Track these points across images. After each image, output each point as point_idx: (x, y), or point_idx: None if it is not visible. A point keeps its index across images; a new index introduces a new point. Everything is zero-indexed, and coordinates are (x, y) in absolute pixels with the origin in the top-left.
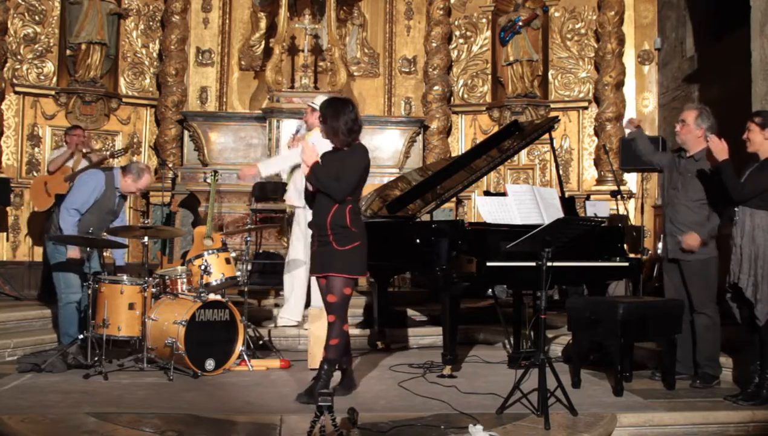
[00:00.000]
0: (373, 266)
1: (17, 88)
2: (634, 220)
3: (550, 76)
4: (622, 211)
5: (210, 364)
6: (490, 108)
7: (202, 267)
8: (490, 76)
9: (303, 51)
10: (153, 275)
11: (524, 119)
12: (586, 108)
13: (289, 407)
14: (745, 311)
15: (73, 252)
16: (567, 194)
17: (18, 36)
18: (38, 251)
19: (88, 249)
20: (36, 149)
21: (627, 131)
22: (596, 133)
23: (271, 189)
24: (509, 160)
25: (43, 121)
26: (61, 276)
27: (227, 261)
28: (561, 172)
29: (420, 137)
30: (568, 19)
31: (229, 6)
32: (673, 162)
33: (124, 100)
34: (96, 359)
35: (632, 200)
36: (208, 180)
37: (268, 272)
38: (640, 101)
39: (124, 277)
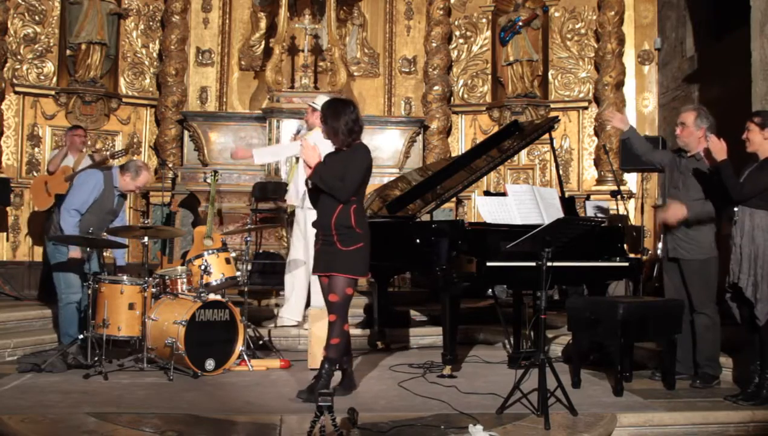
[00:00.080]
0: (373, 266)
1: (17, 88)
2: (634, 220)
3: (550, 76)
4: (622, 211)
5: (210, 364)
6: (490, 108)
7: (202, 267)
8: (490, 76)
9: (303, 51)
10: (153, 275)
11: (524, 119)
12: (586, 108)
13: (289, 407)
14: (745, 310)
15: (75, 253)
16: (567, 194)
17: (18, 36)
18: (38, 250)
19: (87, 249)
20: (36, 149)
21: (619, 127)
22: (596, 133)
23: (271, 189)
24: (509, 160)
25: (43, 121)
26: (62, 276)
27: (227, 261)
28: (561, 172)
29: (420, 137)
30: (568, 19)
31: (229, 6)
32: (674, 161)
33: (124, 100)
34: (96, 359)
35: (632, 200)
36: (208, 180)
37: (268, 272)
38: (640, 101)
39: (124, 277)
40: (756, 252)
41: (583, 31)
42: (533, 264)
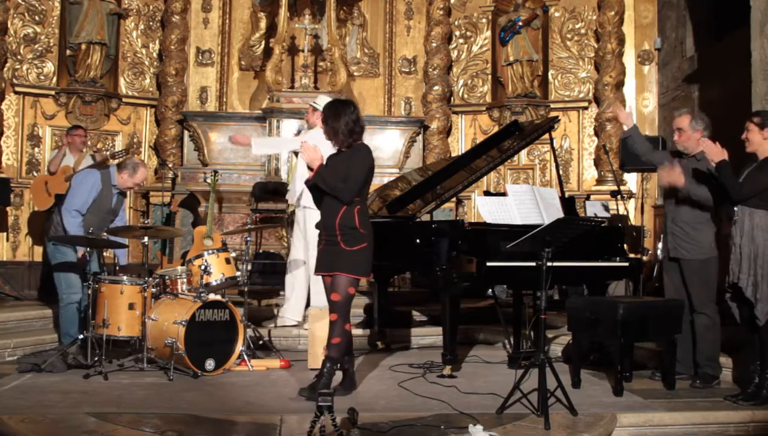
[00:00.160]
0: (373, 265)
1: (17, 88)
2: (634, 220)
3: (550, 76)
4: (622, 211)
5: (210, 364)
6: (490, 108)
7: (202, 267)
8: (490, 76)
9: (303, 51)
10: (153, 275)
11: (524, 119)
12: (586, 108)
13: (289, 407)
14: (745, 310)
15: (82, 253)
16: (567, 194)
17: (18, 36)
18: (38, 250)
19: (88, 249)
20: (36, 149)
21: (623, 127)
22: (596, 133)
23: (271, 189)
24: (509, 160)
25: (43, 121)
26: (62, 277)
27: (227, 261)
28: (561, 172)
29: (420, 137)
30: (568, 19)
31: (229, 6)
32: (673, 162)
33: (124, 100)
34: (96, 359)
35: (632, 200)
36: (208, 180)
37: (268, 272)
38: (640, 101)
39: (124, 277)
40: (756, 252)
41: (583, 31)
42: (533, 264)
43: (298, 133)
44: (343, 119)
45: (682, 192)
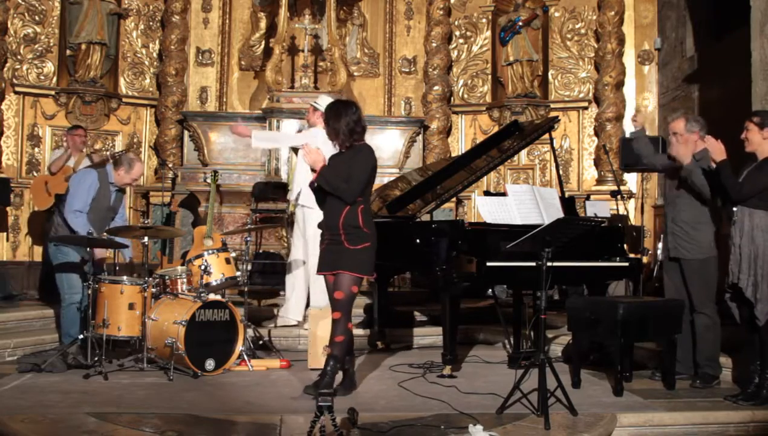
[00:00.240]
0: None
1: (17, 88)
2: (634, 220)
3: (550, 76)
4: (622, 211)
5: (210, 364)
6: (490, 108)
7: (202, 267)
8: (490, 76)
9: (303, 51)
10: (153, 275)
11: (524, 119)
12: (586, 108)
13: (289, 407)
14: (745, 311)
15: (101, 252)
16: (567, 194)
17: (18, 36)
18: (38, 250)
19: (88, 249)
20: (36, 149)
21: (632, 129)
22: (596, 133)
23: (271, 189)
24: (509, 160)
25: (43, 121)
26: (64, 277)
27: (227, 261)
28: (561, 172)
29: (420, 137)
30: (568, 19)
31: (229, 6)
32: (673, 163)
33: (124, 100)
34: (96, 359)
35: (632, 200)
36: (208, 180)
37: (268, 272)
38: (640, 101)
39: (124, 277)
40: (756, 252)
41: (583, 31)
42: (533, 264)
43: (299, 132)
44: (344, 120)
45: (683, 176)
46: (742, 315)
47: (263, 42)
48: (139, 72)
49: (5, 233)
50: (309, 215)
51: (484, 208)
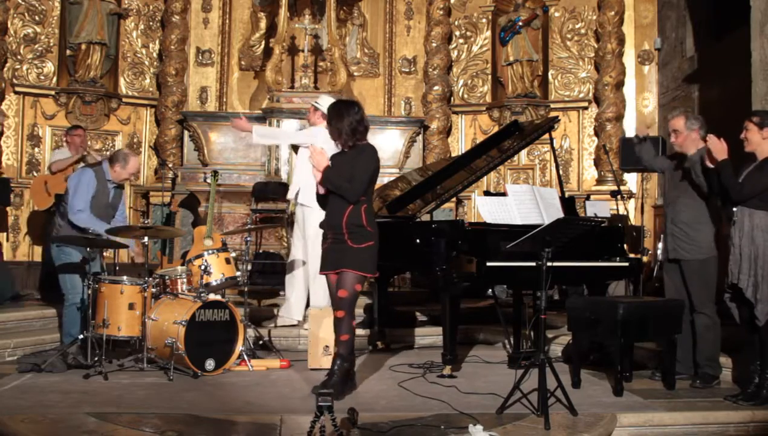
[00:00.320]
0: None
1: (17, 88)
2: (634, 220)
3: (550, 76)
4: (622, 212)
5: (210, 364)
6: (490, 108)
7: (202, 267)
8: (490, 76)
9: (303, 51)
10: (153, 275)
11: (524, 119)
12: (586, 108)
13: (289, 407)
14: (745, 311)
15: (118, 238)
16: (567, 194)
17: (18, 36)
18: (38, 251)
19: (88, 249)
20: (36, 149)
21: (641, 135)
22: (596, 133)
23: (271, 189)
24: (509, 160)
25: (43, 121)
26: (67, 278)
27: (227, 261)
28: (561, 172)
29: (420, 137)
30: (568, 19)
31: (229, 6)
32: (673, 164)
33: (124, 100)
34: (96, 359)
35: (632, 200)
36: (208, 180)
37: (268, 272)
38: (640, 101)
39: (124, 277)
40: (756, 253)
41: (583, 31)
42: (533, 264)
43: (299, 130)
44: (346, 120)
45: (687, 166)
46: (741, 315)
47: (263, 42)
48: (139, 72)
49: (5, 233)
50: (309, 215)
51: (484, 208)
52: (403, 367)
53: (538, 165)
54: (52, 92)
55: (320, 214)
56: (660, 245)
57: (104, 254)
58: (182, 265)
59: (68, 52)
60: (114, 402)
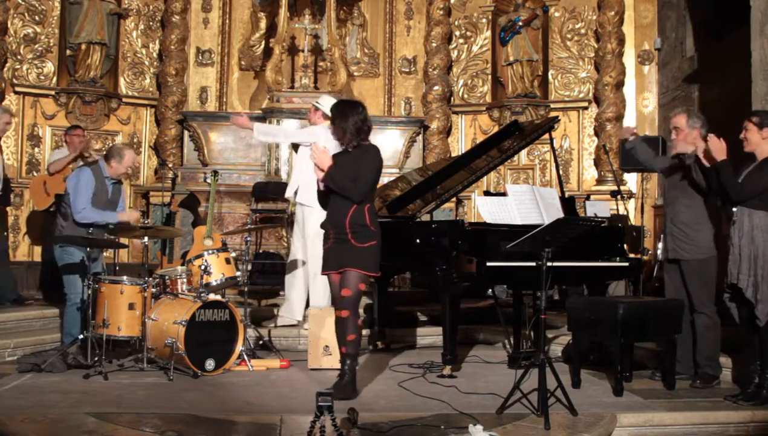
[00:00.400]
0: None
1: (17, 88)
2: (634, 220)
3: (550, 76)
4: (622, 212)
5: (210, 364)
6: (490, 108)
7: (202, 267)
8: (490, 76)
9: (303, 51)
10: (153, 275)
11: (524, 119)
12: (586, 108)
13: (289, 407)
14: (744, 311)
15: (125, 215)
16: (567, 194)
17: (18, 36)
18: (38, 251)
19: (87, 249)
20: (36, 149)
21: (629, 138)
22: (596, 133)
23: (271, 189)
24: (509, 160)
25: (43, 121)
26: (71, 278)
27: (227, 261)
28: (561, 172)
29: (420, 137)
30: (568, 19)
31: (229, 6)
32: (672, 164)
33: (124, 100)
34: (96, 359)
35: (632, 200)
36: (208, 180)
37: (268, 272)
38: (640, 101)
39: (124, 277)
40: (756, 253)
41: (583, 31)
42: (533, 264)
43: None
44: (351, 119)
45: (688, 163)
46: (741, 315)
47: (263, 42)
48: (139, 72)
49: (5, 233)
50: (309, 214)
51: (484, 208)
52: (403, 367)
53: (538, 165)
54: (52, 92)
55: (320, 214)
56: (660, 245)
57: (104, 253)
58: (182, 265)
59: (68, 52)
60: (114, 402)
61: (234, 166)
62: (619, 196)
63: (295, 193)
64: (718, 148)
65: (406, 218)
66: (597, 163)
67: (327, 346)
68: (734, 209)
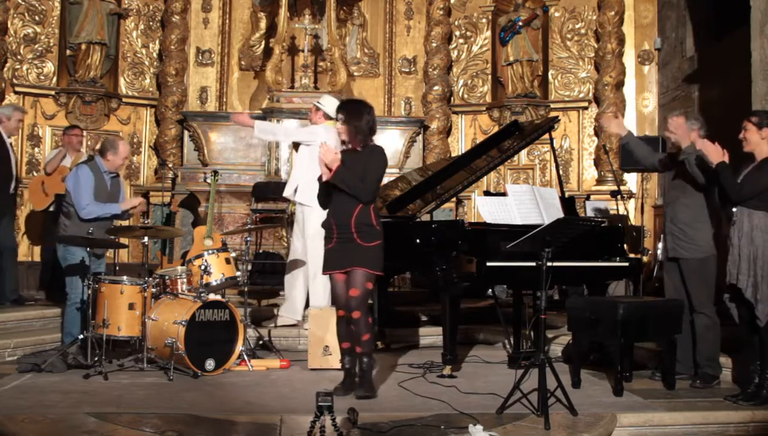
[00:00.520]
0: None
1: (17, 88)
2: (634, 220)
3: (550, 76)
4: (622, 211)
5: (210, 364)
6: (490, 108)
7: (202, 267)
8: (490, 76)
9: (303, 51)
10: (153, 275)
11: (524, 119)
12: (586, 108)
13: (289, 407)
14: (744, 311)
15: (128, 203)
16: (567, 194)
17: (18, 36)
18: (38, 250)
19: (88, 249)
20: (36, 149)
21: (616, 132)
22: (596, 133)
23: (271, 189)
24: (509, 160)
25: (43, 121)
26: (74, 278)
27: (227, 261)
28: (561, 172)
29: (420, 137)
30: (568, 19)
31: (229, 6)
32: (672, 163)
33: (124, 100)
34: (96, 359)
35: (632, 200)
36: (208, 180)
37: (268, 272)
38: (640, 101)
39: (124, 277)
40: (755, 253)
41: (583, 31)
42: (533, 264)
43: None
44: (365, 118)
45: (681, 158)
46: (741, 316)
47: (263, 42)
48: (139, 72)
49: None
50: (308, 214)
51: (484, 208)
52: (404, 367)
53: (538, 165)
54: (52, 92)
55: (320, 214)
56: (660, 245)
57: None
58: (182, 265)
59: (68, 52)
60: (114, 402)
61: (234, 166)
62: (619, 196)
63: (295, 191)
64: (713, 152)
65: (406, 218)
66: (597, 163)
67: (327, 346)
68: (734, 210)
